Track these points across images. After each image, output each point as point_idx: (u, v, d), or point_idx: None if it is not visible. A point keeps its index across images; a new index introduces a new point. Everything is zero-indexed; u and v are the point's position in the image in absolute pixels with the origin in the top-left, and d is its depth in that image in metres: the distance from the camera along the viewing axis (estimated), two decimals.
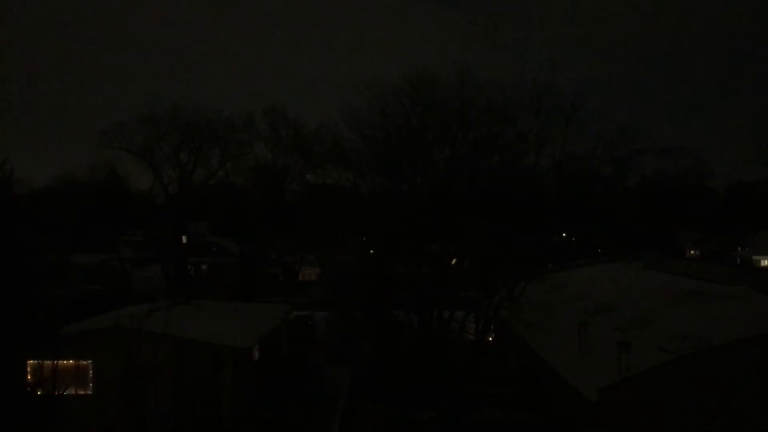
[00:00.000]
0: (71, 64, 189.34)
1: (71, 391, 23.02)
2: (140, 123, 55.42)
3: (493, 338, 33.34)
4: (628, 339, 22.23)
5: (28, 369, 23.49)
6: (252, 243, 59.44)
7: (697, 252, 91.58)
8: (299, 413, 26.53)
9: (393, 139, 31.06)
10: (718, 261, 72.89)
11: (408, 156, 30.91)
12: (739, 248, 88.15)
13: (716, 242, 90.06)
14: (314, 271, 67.75)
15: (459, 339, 29.80)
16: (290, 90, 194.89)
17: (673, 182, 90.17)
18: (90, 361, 24.16)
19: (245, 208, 59.96)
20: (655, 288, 32.23)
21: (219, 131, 56.86)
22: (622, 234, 73.01)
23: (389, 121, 30.95)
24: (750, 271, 52.47)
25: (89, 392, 24.06)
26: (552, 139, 30.33)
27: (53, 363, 22.36)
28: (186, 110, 56.26)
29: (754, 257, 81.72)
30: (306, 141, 54.06)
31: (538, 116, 29.89)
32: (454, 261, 31.75)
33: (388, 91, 30.53)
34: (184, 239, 63.30)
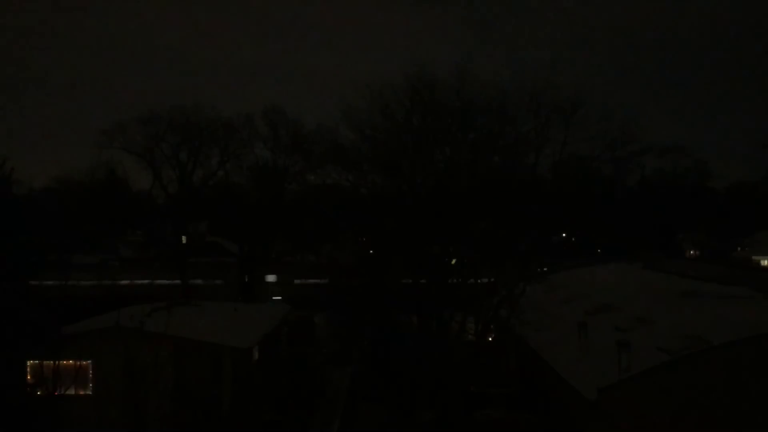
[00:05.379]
0: (71, 64, 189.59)
1: (71, 391, 23.01)
2: (140, 123, 55.42)
3: (493, 338, 33.33)
4: (628, 339, 22.22)
5: (28, 369, 23.48)
6: (252, 243, 59.39)
7: (697, 252, 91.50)
8: (299, 413, 26.51)
9: (393, 139, 31.04)
10: (718, 261, 72.81)
11: (408, 156, 30.89)
12: (739, 248, 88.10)
13: (716, 242, 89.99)
14: None
15: (459, 339, 29.80)
16: (290, 90, 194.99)
17: (673, 182, 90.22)
18: (90, 361, 24.15)
19: (245, 208, 59.86)
20: (655, 288, 32.26)
21: (219, 131, 56.82)
22: (622, 234, 73.05)
23: (389, 121, 30.93)
24: (750, 271, 52.46)
25: (89, 392, 24.05)
26: (552, 139, 30.36)
27: (53, 363, 22.35)
28: (186, 110, 56.23)
29: (754, 257, 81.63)
30: (306, 141, 54.07)
31: (538, 116, 29.90)
32: (454, 261, 31.74)
33: (388, 91, 30.53)
34: (184, 239, 63.24)
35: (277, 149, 56.29)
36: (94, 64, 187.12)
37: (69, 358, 23.49)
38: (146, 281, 59.30)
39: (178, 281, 55.15)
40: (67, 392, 22.63)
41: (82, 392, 23.89)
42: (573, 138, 30.18)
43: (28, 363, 23.45)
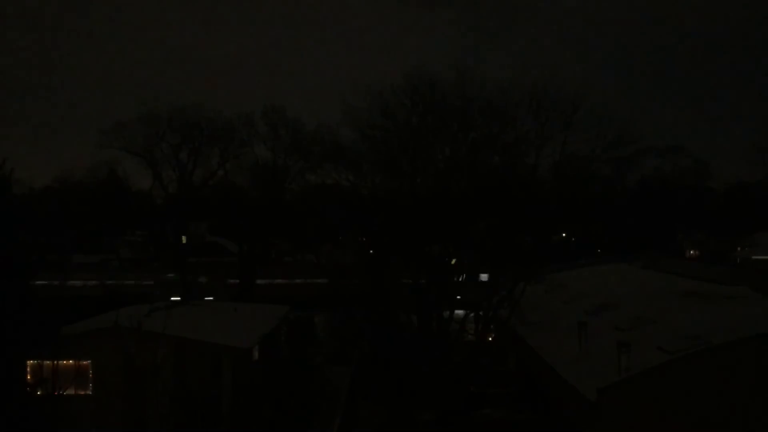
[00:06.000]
0: (71, 64, 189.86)
1: (71, 391, 23.00)
2: (140, 123, 55.48)
3: (493, 338, 33.37)
4: (628, 339, 22.21)
5: (28, 369, 23.46)
6: (252, 243, 59.43)
7: (697, 252, 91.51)
8: (299, 413, 26.49)
9: (393, 139, 31.06)
10: (718, 261, 72.84)
11: (408, 156, 30.92)
12: (739, 248, 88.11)
13: (716, 242, 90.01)
14: None
15: (459, 339, 29.81)
16: (290, 90, 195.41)
17: (673, 182, 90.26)
18: (90, 361, 24.13)
19: (245, 208, 59.89)
20: (655, 288, 32.20)
21: (219, 131, 56.85)
22: (622, 234, 73.11)
23: (389, 121, 30.97)
24: (750, 271, 52.43)
25: (89, 392, 24.03)
26: (552, 139, 30.34)
27: (53, 363, 22.33)
28: (186, 110, 56.25)
29: (754, 257, 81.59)
30: (306, 141, 54.08)
31: (538, 116, 29.89)
32: (454, 261, 31.76)
33: (388, 91, 30.57)
34: (184, 239, 63.29)
35: (277, 149, 56.35)
36: (95, 64, 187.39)
37: (69, 358, 23.46)
38: (146, 281, 59.28)
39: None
40: (67, 392, 22.59)
41: (81, 392, 23.86)
42: (573, 138, 30.19)
43: (28, 363, 23.42)
